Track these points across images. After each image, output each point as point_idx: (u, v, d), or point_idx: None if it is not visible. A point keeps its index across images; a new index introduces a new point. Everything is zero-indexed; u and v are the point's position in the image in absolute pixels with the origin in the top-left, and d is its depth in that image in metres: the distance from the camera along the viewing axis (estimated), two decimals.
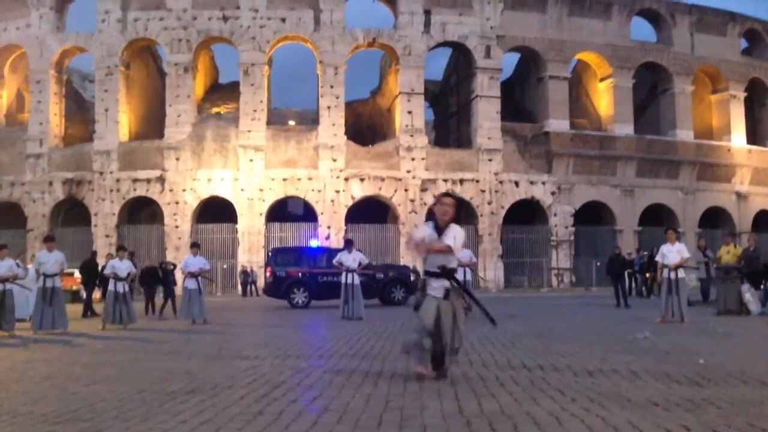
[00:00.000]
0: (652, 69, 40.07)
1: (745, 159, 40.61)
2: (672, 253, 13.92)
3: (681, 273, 13.94)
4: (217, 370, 7.60)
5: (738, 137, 40.54)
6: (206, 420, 4.91)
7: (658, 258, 14.61)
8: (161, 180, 34.42)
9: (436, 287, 6.69)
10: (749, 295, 15.57)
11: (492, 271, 35.16)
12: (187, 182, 34.34)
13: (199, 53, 36.71)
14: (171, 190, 34.32)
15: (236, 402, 5.59)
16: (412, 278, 23.24)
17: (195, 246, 16.82)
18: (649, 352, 8.72)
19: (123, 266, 15.17)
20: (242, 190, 34.20)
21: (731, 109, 40.76)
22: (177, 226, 33.99)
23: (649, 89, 41.60)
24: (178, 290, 18.20)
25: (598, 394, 5.72)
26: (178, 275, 18.93)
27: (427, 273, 6.84)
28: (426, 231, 6.95)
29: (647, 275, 24.60)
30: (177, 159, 34.40)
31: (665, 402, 5.35)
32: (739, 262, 16.88)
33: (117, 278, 14.83)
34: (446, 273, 6.68)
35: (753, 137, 41.50)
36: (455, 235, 6.80)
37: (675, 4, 40.37)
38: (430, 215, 6.89)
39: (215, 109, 39.75)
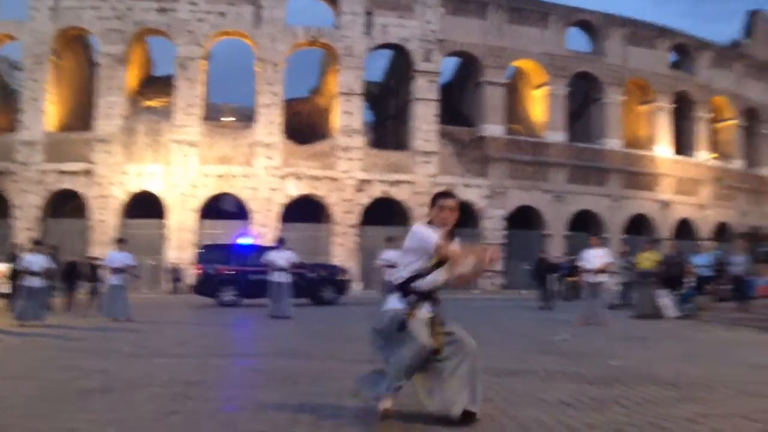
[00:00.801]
0: (586, 78, 41.11)
1: (670, 169, 42.05)
2: (594, 257, 14.32)
3: (602, 277, 14.35)
4: (135, 368, 7.44)
5: (664, 147, 41.98)
6: (116, 419, 4.81)
7: (581, 262, 15.00)
8: (89, 173, 33.45)
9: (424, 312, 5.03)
10: (665, 300, 16.15)
11: None
12: (116, 176, 33.45)
13: (134, 45, 35.84)
14: (99, 184, 33.38)
15: (150, 400, 5.49)
16: (342, 277, 23.26)
17: (120, 241, 16.43)
18: (566, 353, 8.94)
19: (37, 261, 14.58)
20: (174, 185, 33.54)
21: (658, 120, 42.19)
22: (103, 221, 33.07)
23: (583, 98, 42.67)
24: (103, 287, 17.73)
25: (513, 394, 5.85)
26: (103, 271, 18.44)
27: (412, 290, 5.05)
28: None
29: (572, 279, 25.21)
30: (106, 152, 33.47)
31: (575, 401, 5.51)
32: (660, 267, 17.47)
33: (31, 273, 14.25)
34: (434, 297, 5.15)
35: (678, 148, 43.02)
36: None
37: (609, 17, 41.53)
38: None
39: (149, 103, 38.88)
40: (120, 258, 15.42)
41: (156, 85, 40.51)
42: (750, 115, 47.65)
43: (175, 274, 31.34)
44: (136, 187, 33.56)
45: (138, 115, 35.03)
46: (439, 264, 4.95)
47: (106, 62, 34.35)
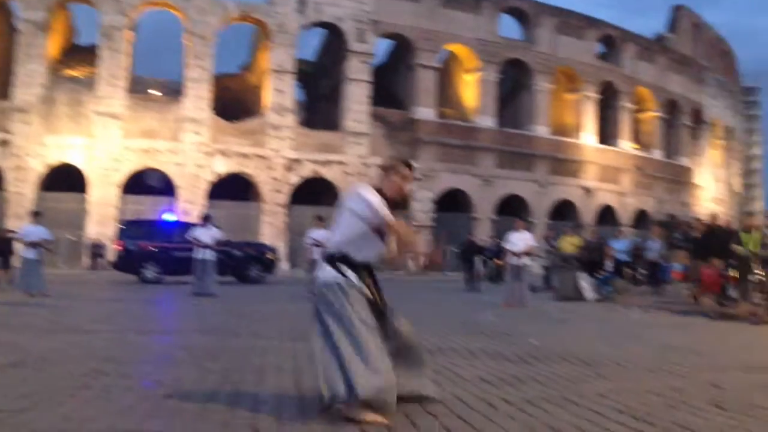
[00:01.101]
0: (517, 65, 41.73)
1: (594, 156, 43.24)
2: (519, 241, 14.61)
3: (526, 260, 14.66)
4: (47, 343, 7.19)
5: (589, 136, 43.11)
6: (27, 393, 4.64)
7: (506, 245, 15.28)
8: (5, 143, 31.99)
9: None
10: (585, 283, 16.66)
11: None
12: (34, 147, 32.10)
13: (56, 12, 34.37)
14: (15, 155, 31.97)
15: (63, 376, 5.32)
16: (269, 256, 23.07)
17: (36, 214, 15.80)
18: (489, 333, 9.11)
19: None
20: (96, 158, 32.44)
21: (584, 109, 43.28)
22: (20, 193, 31.75)
23: (512, 85, 43.31)
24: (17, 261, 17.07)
25: (434, 371, 5.90)
26: (17, 245, 17.75)
27: (343, 259, 4.44)
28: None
29: (498, 261, 25.70)
30: (24, 122, 32.06)
31: (494, 378, 5.62)
32: (582, 251, 17.99)
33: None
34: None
35: (602, 137, 44.26)
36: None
37: (540, 5, 42.20)
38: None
39: (71, 72, 37.40)
40: (35, 232, 14.84)
41: (79, 54, 38.99)
42: (670, 107, 49.40)
43: (96, 250, 30.45)
44: (56, 159, 32.32)
45: (59, 85, 33.66)
46: (382, 236, 4.44)
47: (26, 29, 32.84)
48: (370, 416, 4.03)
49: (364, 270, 4.46)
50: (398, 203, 4.61)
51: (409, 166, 4.77)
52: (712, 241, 15.86)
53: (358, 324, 4.19)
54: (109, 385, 4.98)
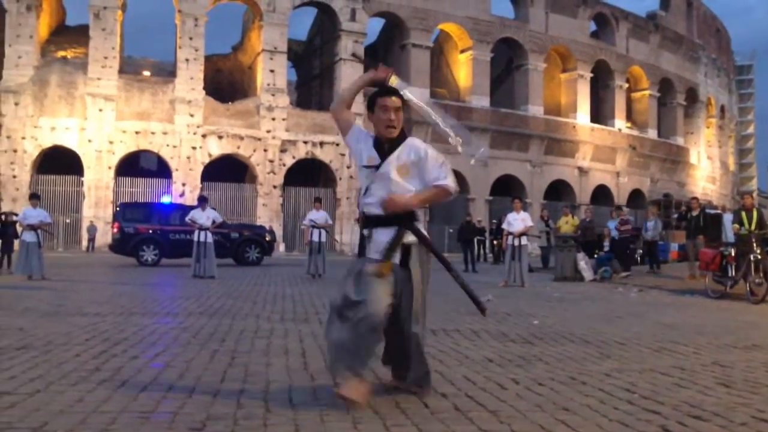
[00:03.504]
0: (509, 45, 41.59)
1: (588, 136, 43.28)
2: (517, 221, 14.66)
3: (524, 240, 14.72)
4: (52, 326, 7.19)
5: (583, 115, 43.12)
6: (38, 376, 4.64)
7: (504, 226, 15.34)
8: None
9: (381, 243, 3.90)
10: (583, 263, 16.76)
11: (348, 235, 35.48)
12: (27, 129, 31.92)
13: None
14: (8, 137, 31.79)
15: (71, 359, 5.32)
16: (267, 238, 23.07)
17: (34, 197, 15.76)
18: (490, 314, 9.13)
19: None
20: (90, 141, 32.28)
21: (578, 89, 43.24)
22: (15, 176, 31.63)
23: (506, 64, 43.20)
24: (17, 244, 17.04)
25: (440, 351, 5.95)
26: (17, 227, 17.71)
27: (368, 219, 3.99)
28: (362, 141, 4.16)
29: (495, 242, 25.80)
30: (16, 104, 31.85)
31: (499, 359, 5.66)
32: (576, 232, 18.09)
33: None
34: (401, 219, 3.92)
35: (596, 116, 44.27)
36: (422, 155, 3.99)
37: None
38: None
39: (61, 53, 37.09)
40: (35, 214, 14.81)
41: (69, 35, 38.67)
42: (664, 86, 49.40)
43: (92, 233, 30.41)
44: (50, 141, 32.15)
45: (50, 66, 33.42)
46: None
47: (15, 8, 32.52)
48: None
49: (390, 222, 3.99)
50: (394, 141, 4.02)
51: (393, 92, 4.03)
52: (706, 221, 16.04)
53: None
54: (119, 368, 4.99)
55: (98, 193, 32.25)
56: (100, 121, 32.35)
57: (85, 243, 30.91)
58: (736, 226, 12.10)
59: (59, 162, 32.48)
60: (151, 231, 21.06)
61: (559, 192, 42.21)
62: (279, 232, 32.89)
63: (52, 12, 38.17)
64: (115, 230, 21.65)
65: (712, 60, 56.42)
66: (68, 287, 12.57)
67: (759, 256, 11.34)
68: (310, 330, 7.23)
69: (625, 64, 45.87)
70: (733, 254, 11.97)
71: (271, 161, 34.75)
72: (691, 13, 53.40)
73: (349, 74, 36.17)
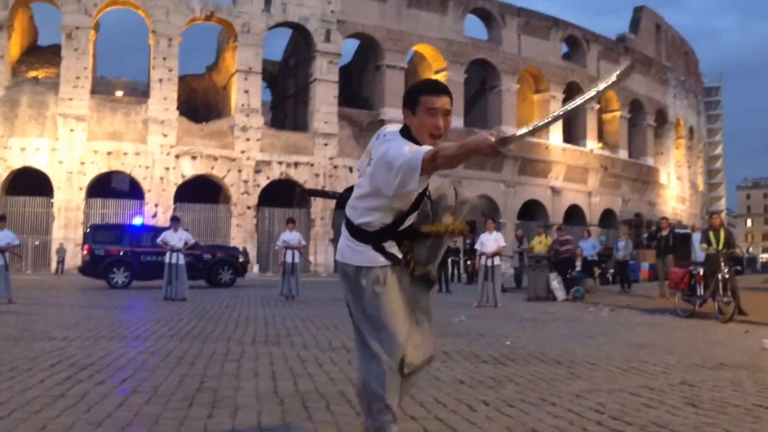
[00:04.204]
0: (483, 66, 42.03)
1: (561, 156, 43.75)
2: (489, 241, 14.73)
3: (497, 261, 14.79)
4: (18, 351, 7.05)
5: (555, 136, 43.61)
6: (2, 402, 4.56)
7: (476, 246, 15.41)
8: None
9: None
10: (556, 283, 16.86)
11: (323, 255, 35.43)
12: None
13: (17, 11, 33.77)
14: None
15: (36, 385, 5.22)
16: (240, 259, 22.93)
17: (1, 219, 15.51)
18: (463, 334, 9.16)
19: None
20: (60, 161, 31.92)
21: (550, 109, 43.64)
22: None
23: (479, 85, 43.62)
24: None
25: None
26: None
27: (385, 232, 3.14)
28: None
29: (468, 262, 25.86)
30: None
31: (470, 380, 5.66)
32: (549, 252, 18.21)
33: None
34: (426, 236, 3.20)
35: (568, 137, 44.79)
36: None
37: (505, 6, 42.58)
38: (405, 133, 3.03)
39: (33, 73, 36.76)
40: (1, 236, 14.57)
41: (41, 54, 38.38)
42: (634, 107, 50.20)
43: (61, 255, 29.99)
44: (19, 162, 31.75)
45: (21, 86, 33.09)
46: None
47: None
48: None
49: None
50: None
51: (444, 91, 3.08)
52: (676, 240, 16.26)
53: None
54: (85, 394, 4.91)
55: (68, 215, 31.84)
56: (71, 142, 32.03)
57: (54, 265, 30.44)
58: (705, 245, 12.26)
59: (29, 183, 32.06)
60: (121, 253, 20.81)
61: (532, 212, 42.53)
62: (253, 253, 32.71)
63: (24, 32, 37.88)
64: (85, 252, 21.35)
65: (681, 82, 57.50)
66: (36, 311, 12.35)
67: (726, 276, 11.50)
68: (282, 352, 7.18)
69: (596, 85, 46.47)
70: (701, 273, 12.12)
71: (246, 182, 34.62)
72: (660, 36, 54.45)
73: (323, 95, 36.28)
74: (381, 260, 3.13)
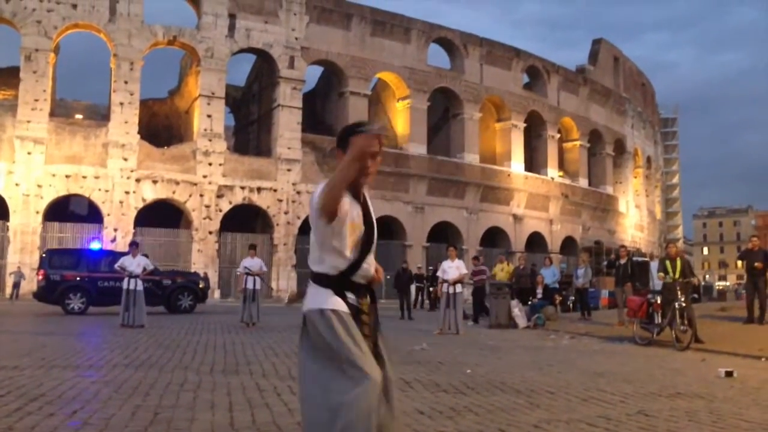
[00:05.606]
0: (446, 94, 42.49)
1: (522, 184, 44.26)
2: (452, 269, 14.78)
3: (458, 288, 14.83)
4: None
5: (517, 164, 44.14)
6: None
7: (438, 273, 15.45)
8: None
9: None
10: (517, 310, 16.96)
11: (285, 281, 35.14)
12: None
13: None
14: None
15: None
16: (201, 285, 22.61)
17: None
18: (424, 362, 9.14)
19: None
20: (17, 184, 31.25)
21: (512, 138, 44.33)
22: None
23: (442, 112, 44.05)
24: None
25: None
26: None
27: (342, 281, 3.19)
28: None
29: (431, 289, 25.92)
30: None
31: (430, 410, 5.63)
32: (511, 279, 18.34)
33: None
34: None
35: (530, 165, 45.38)
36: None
37: (468, 36, 43.19)
38: None
39: None
40: None
41: None
42: (593, 136, 51.13)
43: (16, 279, 29.21)
44: None
45: None
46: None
47: None
48: None
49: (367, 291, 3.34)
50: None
51: (374, 130, 3.05)
52: (634, 269, 16.50)
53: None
54: (33, 426, 4.76)
55: (24, 239, 31.12)
56: (28, 165, 31.40)
57: (8, 290, 29.65)
58: (662, 274, 12.45)
59: None
60: (78, 278, 20.35)
61: (494, 239, 42.84)
62: (214, 279, 32.30)
63: None
64: (40, 277, 20.84)
65: (638, 113, 58.82)
66: None
67: (683, 304, 11.68)
68: (240, 381, 7.07)
69: (556, 115, 47.36)
70: (658, 302, 12.30)
71: (208, 206, 34.28)
72: (618, 67, 55.73)
73: (287, 120, 36.24)
74: (341, 305, 3.11)
